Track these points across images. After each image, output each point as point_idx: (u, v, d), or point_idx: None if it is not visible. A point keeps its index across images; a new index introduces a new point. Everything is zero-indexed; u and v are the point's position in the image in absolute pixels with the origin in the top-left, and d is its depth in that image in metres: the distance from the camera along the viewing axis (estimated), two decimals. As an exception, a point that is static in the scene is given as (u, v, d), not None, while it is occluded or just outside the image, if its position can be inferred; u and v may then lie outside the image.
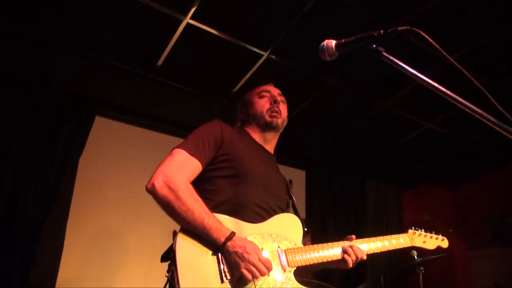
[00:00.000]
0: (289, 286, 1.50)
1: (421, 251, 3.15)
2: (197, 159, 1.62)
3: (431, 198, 5.55)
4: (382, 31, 1.16)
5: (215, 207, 1.55)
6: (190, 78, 3.66)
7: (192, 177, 1.60)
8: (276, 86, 2.01)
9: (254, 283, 1.41)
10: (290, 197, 1.91)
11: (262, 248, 1.51)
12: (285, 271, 1.53)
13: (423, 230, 1.93)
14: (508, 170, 5.07)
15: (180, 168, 1.56)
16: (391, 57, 1.13)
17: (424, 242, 1.96)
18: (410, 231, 1.93)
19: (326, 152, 4.69)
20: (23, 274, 2.82)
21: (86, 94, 3.36)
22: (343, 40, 1.23)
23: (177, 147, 1.65)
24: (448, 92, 1.00)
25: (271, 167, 1.87)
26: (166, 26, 3.10)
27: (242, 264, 1.39)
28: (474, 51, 3.31)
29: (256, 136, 1.89)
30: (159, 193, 1.49)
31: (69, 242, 3.10)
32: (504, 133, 0.92)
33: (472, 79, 1.00)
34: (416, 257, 3.00)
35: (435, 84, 1.03)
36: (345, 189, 4.79)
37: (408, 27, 1.13)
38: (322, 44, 1.25)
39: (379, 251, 1.76)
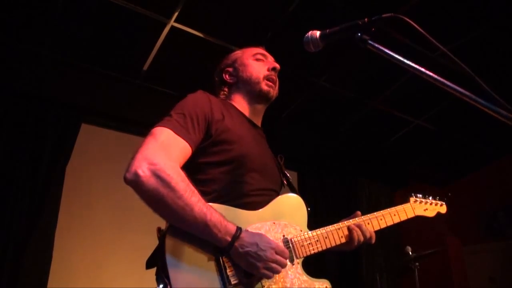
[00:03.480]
0: (299, 282, 1.32)
1: (415, 246, 3.16)
2: (185, 140, 1.32)
3: (424, 195, 5.55)
4: (366, 19, 1.14)
5: (208, 201, 1.29)
6: (176, 82, 3.62)
7: (182, 163, 1.31)
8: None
9: (262, 284, 1.24)
10: (284, 175, 1.68)
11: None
12: (293, 264, 1.34)
13: (421, 196, 1.88)
14: (498, 165, 5.10)
15: (168, 152, 1.26)
16: (377, 45, 1.11)
17: (426, 210, 1.87)
18: (412, 199, 1.85)
19: (318, 152, 4.68)
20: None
21: (71, 102, 3.31)
22: (328, 30, 1.21)
23: (159, 125, 1.34)
24: (435, 76, 0.98)
25: (263, 144, 1.62)
26: (151, 30, 3.07)
27: (260, 265, 1.19)
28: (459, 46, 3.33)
29: (244, 107, 1.63)
30: (146, 184, 1.17)
31: (58, 253, 3.03)
32: (495, 115, 0.90)
33: (460, 62, 0.98)
34: (410, 253, 2.98)
35: (422, 69, 1.01)
36: (338, 189, 4.78)
37: (393, 14, 1.12)
38: (306, 35, 1.23)
39: (385, 226, 1.64)
